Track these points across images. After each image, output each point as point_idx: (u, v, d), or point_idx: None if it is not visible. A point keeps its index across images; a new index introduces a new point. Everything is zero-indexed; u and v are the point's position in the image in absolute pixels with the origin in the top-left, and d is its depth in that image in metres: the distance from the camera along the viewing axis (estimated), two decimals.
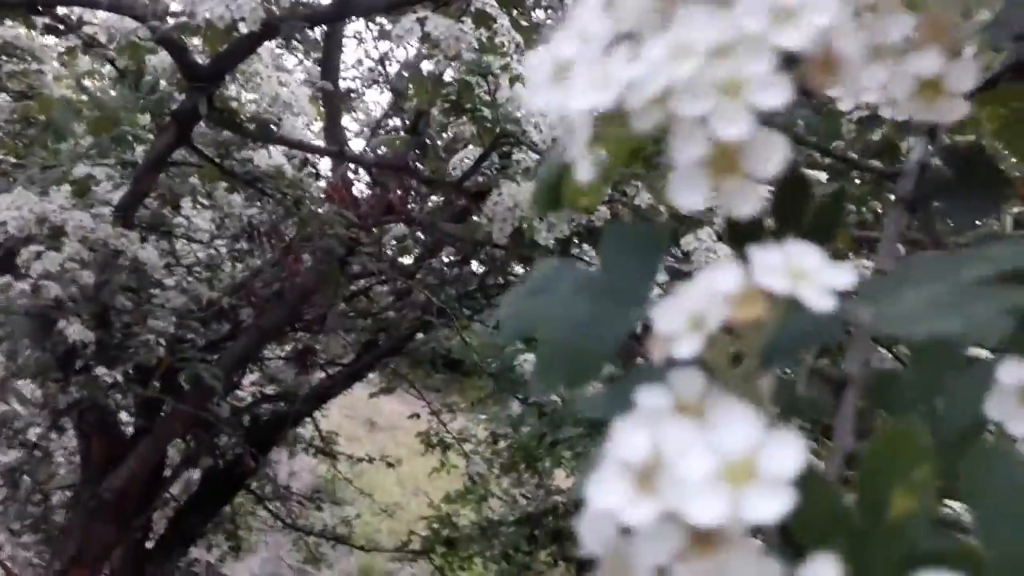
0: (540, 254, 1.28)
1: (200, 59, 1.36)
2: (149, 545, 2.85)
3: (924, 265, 0.27)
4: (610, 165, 0.31)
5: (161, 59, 1.45)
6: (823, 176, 0.96)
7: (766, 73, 0.25)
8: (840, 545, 0.21)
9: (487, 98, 1.27)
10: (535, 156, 1.25)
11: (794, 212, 0.34)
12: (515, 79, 1.24)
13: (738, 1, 0.26)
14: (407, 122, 1.45)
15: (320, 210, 1.46)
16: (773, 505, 0.19)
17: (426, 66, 1.29)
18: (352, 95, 2.72)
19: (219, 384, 2.01)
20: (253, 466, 2.46)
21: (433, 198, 2.13)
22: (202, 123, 1.63)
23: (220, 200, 1.88)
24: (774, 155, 0.25)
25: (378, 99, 2.39)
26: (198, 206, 1.98)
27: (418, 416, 3.39)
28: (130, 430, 2.52)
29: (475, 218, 1.39)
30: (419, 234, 2.53)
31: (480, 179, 1.42)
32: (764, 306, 0.23)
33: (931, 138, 0.38)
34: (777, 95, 0.24)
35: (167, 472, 2.76)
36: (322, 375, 3.10)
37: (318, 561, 4.12)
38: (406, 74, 1.37)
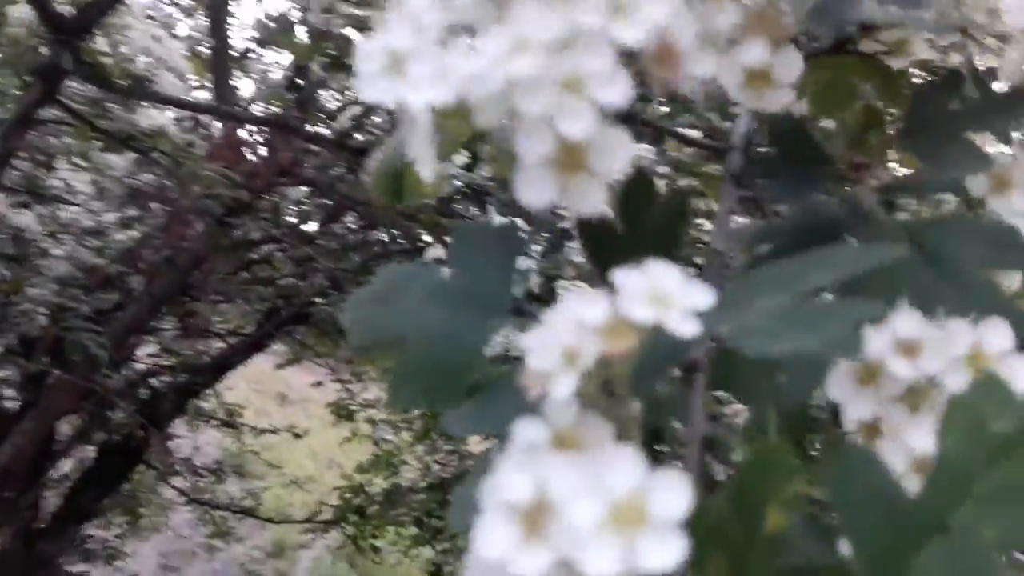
0: (425, 214, 1.28)
1: (64, 11, 1.29)
2: (42, 524, 2.75)
3: (771, 272, 0.27)
4: (444, 152, 0.29)
5: (24, 10, 1.37)
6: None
7: (607, 68, 0.24)
8: (721, 559, 0.21)
9: None
10: None
11: (640, 212, 0.33)
12: None
13: None
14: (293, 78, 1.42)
15: (203, 170, 1.42)
16: (668, 553, 0.19)
17: (312, 19, 1.26)
18: (249, 55, 2.64)
19: (105, 353, 1.94)
20: (147, 438, 2.40)
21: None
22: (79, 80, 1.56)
23: (97, 161, 1.81)
24: (619, 152, 0.25)
25: (280, 60, 2.31)
26: (75, 167, 1.89)
27: (321, 384, 3.35)
28: (14, 405, 2.42)
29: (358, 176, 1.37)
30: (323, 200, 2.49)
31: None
32: (633, 336, 0.23)
33: (754, 115, 0.39)
34: (619, 90, 0.24)
35: (57, 448, 2.67)
36: (222, 345, 3.02)
37: (226, 535, 4.04)
38: (272, 24, 1.34)
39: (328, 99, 1.77)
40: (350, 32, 1.22)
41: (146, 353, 2.96)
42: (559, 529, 0.20)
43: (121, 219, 2.37)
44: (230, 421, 3.38)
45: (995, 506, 0.21)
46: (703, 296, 0.23)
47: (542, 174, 0.25)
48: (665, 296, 0.23)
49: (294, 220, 2.68)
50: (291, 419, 4.65)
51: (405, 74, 0.27)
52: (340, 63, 1.25)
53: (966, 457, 0.22)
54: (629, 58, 0.25)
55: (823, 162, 0.36)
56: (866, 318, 0.25)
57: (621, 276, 0.23)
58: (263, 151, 1.98)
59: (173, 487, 3.58)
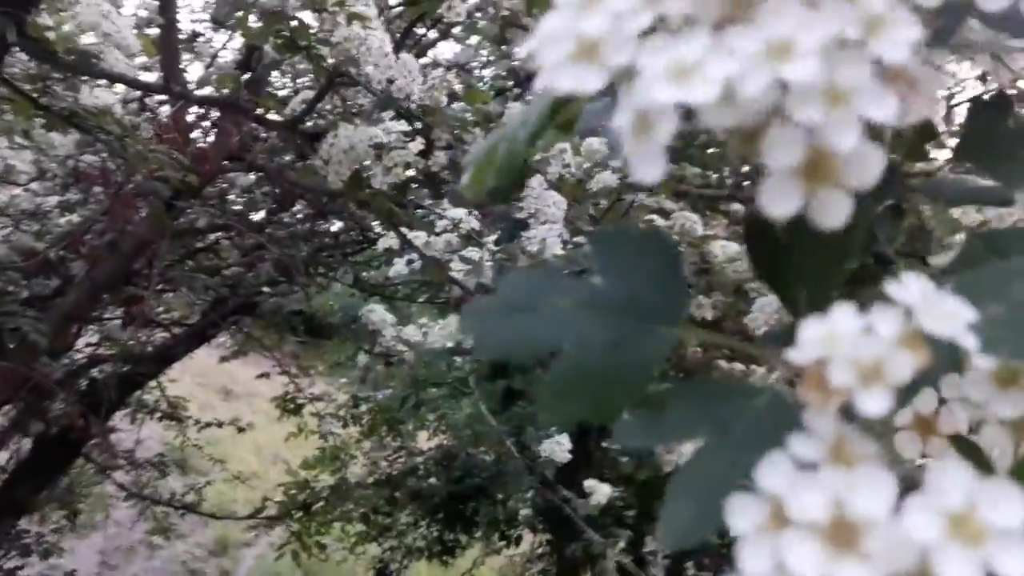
0: (378, 201, 1.27)
1: None
2: None
3: (974, 283, 0.27)
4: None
5: None
6: None
7: (872, 83, 0.24)
8: None
9: (328, 36, 1.24)
10: (372, 97, 1.24)
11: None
12: (352, 16, 1.21)
13: (823, 9, 0.24)
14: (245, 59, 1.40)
15: (149, 152, 1.39)
16: (1018, 561, 0.19)
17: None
18: (199, 38, 2.59)
19: (44, 341, 1.88)
20: (87, 430, 2.33)
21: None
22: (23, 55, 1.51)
23: (39, 140, 1.75)
24: (874, 166, 0.24)
25: (231, 42, 2.27)
26: (15, 146, 1.83)
27: (267, 376, 3.30)
28: None
29: (311, 161, 1.36)
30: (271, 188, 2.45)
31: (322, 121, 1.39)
32: (926, 350, 0.22)
33: None
34: (888, 106, 0.23)
35: None
36: (166, 336, 2.96)
37: (167, 532, 3.96)
38: (226, 4, 1.32)
39: (279, 82, 1.75)
40: (304, 14, 1.21)
41: (86, 342, 2.89)
42: (885, 546, 0.20)
43: (62, 202, 2.31)
44: (173, 414, 3.30)
45: None
46: (969, 310, 0.23)
47: (790, 182, 0.25)
48: (946, 311, 0.23)
49: (242, 208, 2.64)
50: (236, 414, 4.58)
51: (600, 63, 0.25)
52: (293, 45, 1.24)
53: None
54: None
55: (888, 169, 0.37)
56: None
57: (897, 291, 0.23)
58: (211, 135, 1.95)
59: (114, 481, 3.49)
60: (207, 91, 1.59)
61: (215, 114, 1.72)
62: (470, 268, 1.64)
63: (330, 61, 1.30)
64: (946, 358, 0.23)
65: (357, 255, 2.93)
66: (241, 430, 3.52)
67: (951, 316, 0.23)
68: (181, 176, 1.37)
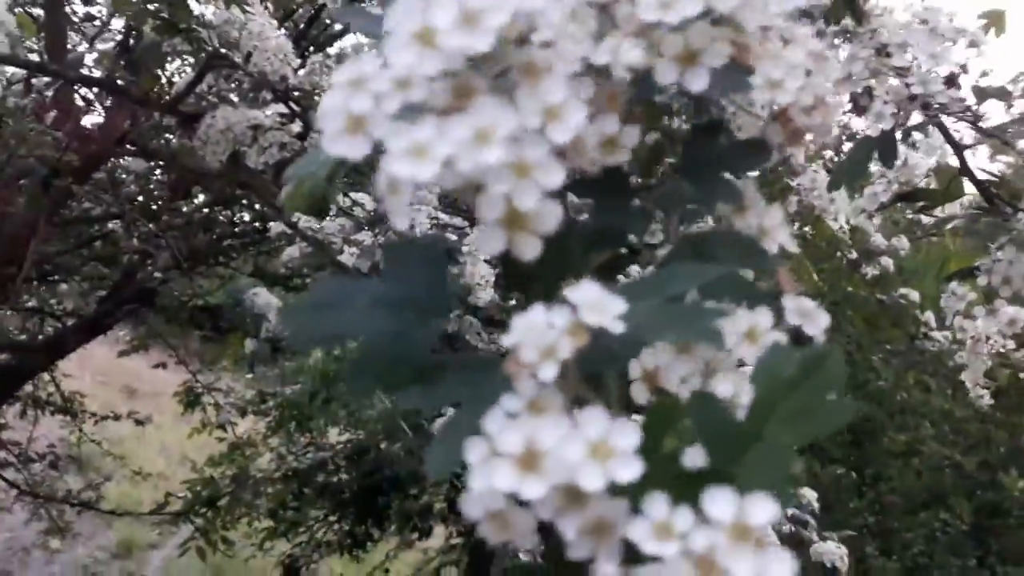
0: (258, 183, 1.30)
1: None
2: None
3: (642, 283, 0.38)
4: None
5: None
6: None
7: (547, 159, 0.34)
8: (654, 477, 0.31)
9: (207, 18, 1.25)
10: (249, 79, 1.26)
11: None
12: (231, 0, 1.23)
13: (517, 99, 0.35)
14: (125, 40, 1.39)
15: (27, 130, 1.37)
16: (631, 470, 0.29)
17: None
18: (95, 22, 2.54)
19: None
20: None
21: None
22: None
23: None
24: (552, 218, 0.35)
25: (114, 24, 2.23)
26: None
27: (164, 366, 3.24)
28: None
29: (189, 142, 1.37)
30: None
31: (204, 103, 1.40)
32: (586, 335, 0.32)
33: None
34: (556, 176, 0.34)
35: None
36: (58, 326, 2.89)
37: (63, 531, 3.83)
38: None
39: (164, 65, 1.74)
40: None
41: None
42: (553, 465, 0.29)
43: None
44: (67, 408, 3.21)
45: (787, 423, 0.33)
46: (621, 304, 0.33)
47: (496, 229, 0.34)
48: (600, 306, 0.32)
49: (136, 194, 2.59)
50: (140, 412, 4.46)
51: (366, 135, 0.35)
52: (172, 26, 1.25)
53: (769, 394, 0.34)
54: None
55: (625, 182, 0.47)
56: (720, 318, 0.35)
57: (572, 293, 0.33)
58: (100, 117, 1.92)
59: (3, 479, 3.37)
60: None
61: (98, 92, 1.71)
62: (361, 252, 1.68)
63: (214, 43, 1.32)
64: (606, 339, 0.33)
65: (260, 244, 2.91)
66: (139, 423, 3.45)
67: (604, 311, 0.32)
68: (57, 156, 1.36)
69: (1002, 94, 0.76)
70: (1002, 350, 0.98)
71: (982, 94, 0.74)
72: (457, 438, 0.32)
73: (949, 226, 0.89)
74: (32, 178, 1.45)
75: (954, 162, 0.90)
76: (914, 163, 1.04)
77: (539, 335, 0.32)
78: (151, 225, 2.41)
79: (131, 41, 1.34)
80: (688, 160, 0.47)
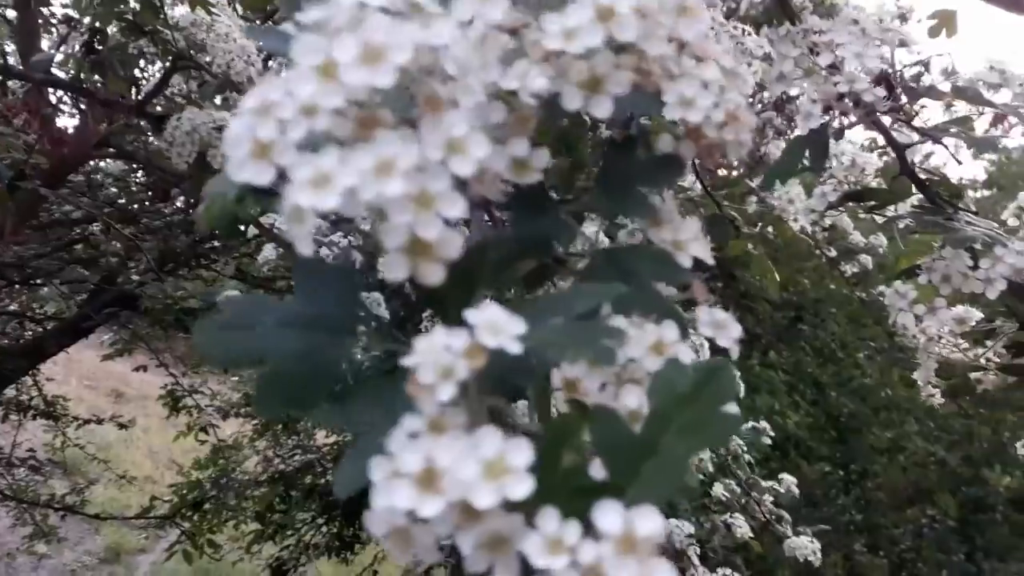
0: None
1: None
2: None
3: (548, 301, 0.40)
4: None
5: None
6: None
7: (448, 191, 0.34)
8: (547, 491, 0.31)
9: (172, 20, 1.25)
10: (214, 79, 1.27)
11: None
12: (195, 2, 1.24)
13: (421, 131, 0.35)
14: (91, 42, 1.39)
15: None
16: (524, 487, 0.30)
17: None
18: (73, 24, 2.53)
19: None
20: None
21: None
22: None
23: None
24: (454, 246, 0.35)
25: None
26: None
27: (145, 369, 3.23)
28: None
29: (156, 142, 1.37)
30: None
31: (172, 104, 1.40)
32: (484, 356, 0.33)
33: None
34: (458, 207, 0.34)
35: None
36: (38, 330, 2.88)
37: (48, 536, 3.82)
38: None
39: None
40: None
41: None
42: (450, 484, 0.30)
43: None
44: (50, 412, 3.20)
45: (682, 435, 0.34)
46: (520, 325, 0.34)
47: (400, 258, 0.35)
48: (499, 327, 0.33)
49: (122, 200, 2.59)
50: (127, 417, 4.45)
51: (271, 162, 0.35)
52: (137, 28, 1.25)
53: (665, 407, 0.35)
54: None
55: (545, 195, 0.48)
56: (615, 337, 0.36)
57: (472, 315, 0.33)
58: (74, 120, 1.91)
59: None
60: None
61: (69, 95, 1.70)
62: (337, 253, 1.68)
63: (181, 45, 1.32)
64: (502, 358, 0.33)
65: (240, 246, 2.91)
66: (122, 427, 3.44)
67: (503, 332, 0.33)
68: (25, 158, 1.36)
69: (933, 93, 0.76)
70: (955, 349, 0.99)
71: (913, 93, 0.74)
72: (364, 457, 0.32)
73: (901, 225, 0.90)
74: None
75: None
76: (862, 162, 1.04)
77: (437, 357, 0.33)
78: (129, 228, 2.41)
79: (96, 43, 1.34)
80: (605, 174, 0.48)
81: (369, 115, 0.36)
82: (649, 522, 0.30)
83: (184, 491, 3.99)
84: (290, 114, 0.35)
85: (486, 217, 0.52)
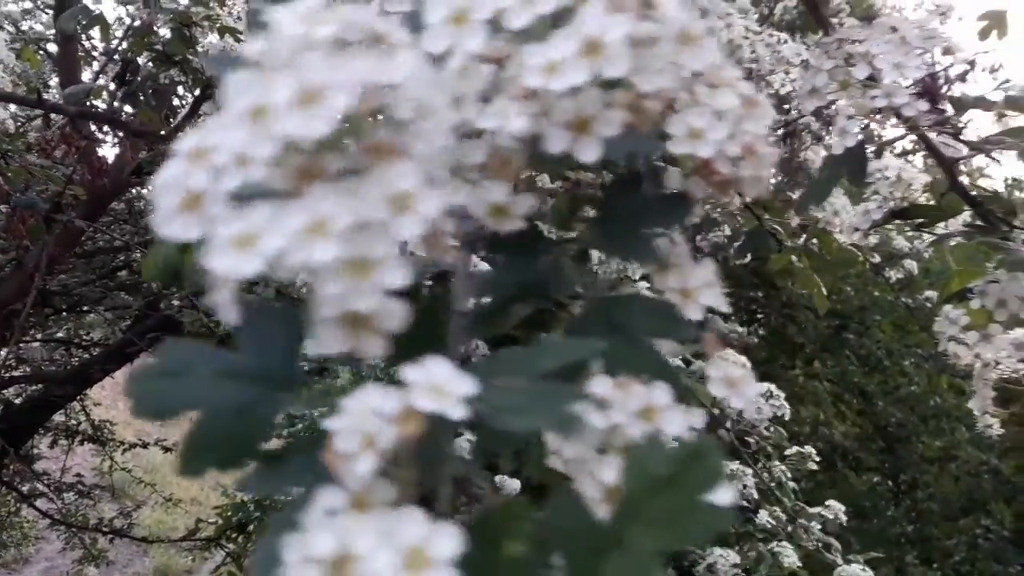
0: None
1: None
2: None
3: (510, 355, 0.34)
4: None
5: None
6: None
7: (391, 256, 0.29)
8: None
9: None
10: None
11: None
12: (224, 30, 1.25)
13: (361, 187, 0.30)
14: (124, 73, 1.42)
15: (32, 166, 1.40)
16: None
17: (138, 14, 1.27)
18: (112, 56, 2.59)
19: None
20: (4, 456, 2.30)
21: None
22: None
23: None
24: (396, 317, 0.31)
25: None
26: None
27: None
28: None
29: None
30: None
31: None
32: (419, 422, 0.28)
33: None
34: (400, 275, 0.29)
35: None
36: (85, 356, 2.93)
37: (97, 559, 3.87)
38: (84, 18, 1.33)
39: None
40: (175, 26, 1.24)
41: None
42: (362, 574, 0.26)
43: None
44: (96, 436, 3.25)
45: (654, 526, 0.30)
46: (468, 385, 0.29)
47: (334, 329, 0.31)
48: (442, 388, 0.29)
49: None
50: (174, 439, 4.51)
51: (202, 214, 0.30)
52: (167, 58, 1.27)
53: (638, 494, 0.31)
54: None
55: (539, 236, 0.44)
56: (580, 402, 0.32)
57: (409, 373, 0.29)
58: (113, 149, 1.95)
59: (37, 509, 3.42)
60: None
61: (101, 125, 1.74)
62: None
63: (211, 73, 1.34)
64: (443, 425, 0.29)
65: None
66: (167, 450, 3.48)
67: (445, 394, 0.29)
68: (61, 189, 1.39)
69: (982, 104, 0.73)
70: (1015, 374, 0.93)
71: (960, 104, 0.71)
72: (282, 533, 0.28)
73: (952, 243, 0.85)
74: (34, 212, 1.48)
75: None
76: (909, 177, 1.00)
77: (360, 421, 0.28)
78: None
79: (128, 73, 1.36)
80: (607, 212, 0.44)
81: (311, 165, 0.31)
82: None
83: (228, 513, 4.03)
84: (225, 161, 0.30)
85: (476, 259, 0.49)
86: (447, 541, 0.27)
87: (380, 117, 0.33)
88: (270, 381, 0.34)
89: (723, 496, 0.31)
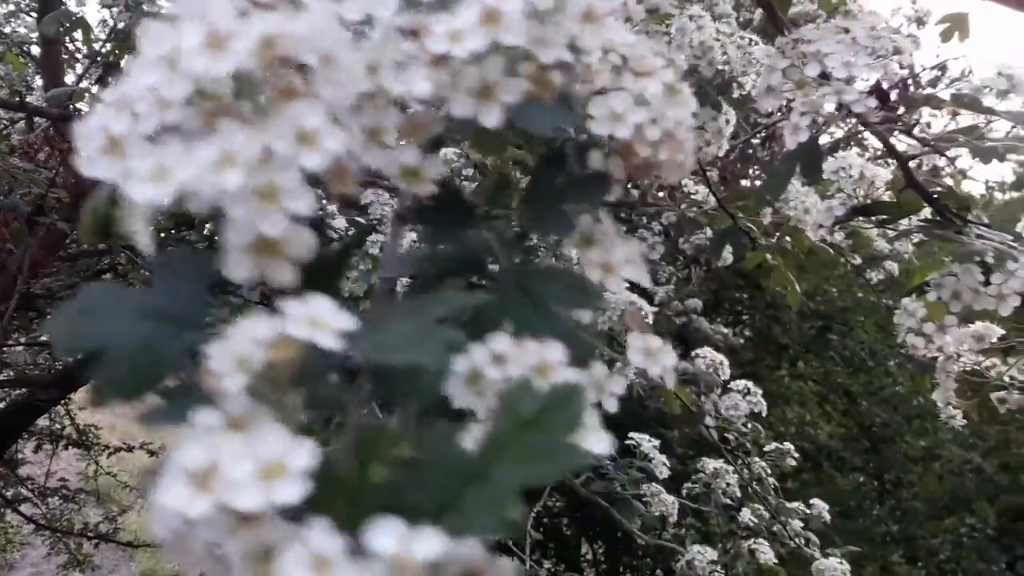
0: None
1: None
2: None
3: (405, 303, 0.38)
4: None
5: None
6: None
7: (296, 185, 0.32)
8: (339, 505, 0.29)
9: None
10: None
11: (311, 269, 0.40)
12: None
13: (269, 124, 0.33)
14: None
15: (14, 169, 1.40)
16: (293, 490, 0.27)
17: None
18: (95, 58, 2.58)
19: None
20: None
21: None
22: None
23: None
24: (304, 244, 0.34)
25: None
26: None
27: None
28: None
29: None
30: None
31: None
32: (293, 348, 0.30)
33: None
34: (305, 202, 0.33)
35: None
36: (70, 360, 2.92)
37: (82, 564, 3.85)
38: (66, 21, 1.33)
39: None
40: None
41: None
42: (221, 484, 0.27)
43: None
44: (81, 440, 3.24)
45: (518, 463, 0.31)
46: (347, 321, 0.32)
47: (244, 257, 0.33)
48: (320, 320, 0.31)
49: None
50: (160, 443, 4.49)
51: (123, 156, 0.33)
52: None
53: (505, 432, 0.32)
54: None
55: (468, 211, 0.47)
56: (454, 342, 0.34)
57: (288, 305, 0.31)
58: None
59: (20, 514, 3.40)
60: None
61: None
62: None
63: None
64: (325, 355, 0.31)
65: None
66: (153, 454, 3.47)
67: (321, 326, 0.31)
68: (44, 192, 1.39)
69: (932, 101, 0.74)
70: (976, 367, 0.95)
71: (910, 102, 0.72)
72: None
73: (914, 240, 0.87)
74: (15, 215, 1.48)
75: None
76: (871, 174, 1.02)
77: (236, 345, 0.30)
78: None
79: (110, 76, 1.36)
80: (531, 190, 0.46)
81: (220, 106, 0.34)
82: (428, 547, 0.27)
83: None
84: (146, 107, 0.34)
85: (413, 232, 0.51)
86: (303, 455, 0.28)
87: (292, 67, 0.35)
88: (178, 320, 0.37)
89: (598, 443, 0.33)
